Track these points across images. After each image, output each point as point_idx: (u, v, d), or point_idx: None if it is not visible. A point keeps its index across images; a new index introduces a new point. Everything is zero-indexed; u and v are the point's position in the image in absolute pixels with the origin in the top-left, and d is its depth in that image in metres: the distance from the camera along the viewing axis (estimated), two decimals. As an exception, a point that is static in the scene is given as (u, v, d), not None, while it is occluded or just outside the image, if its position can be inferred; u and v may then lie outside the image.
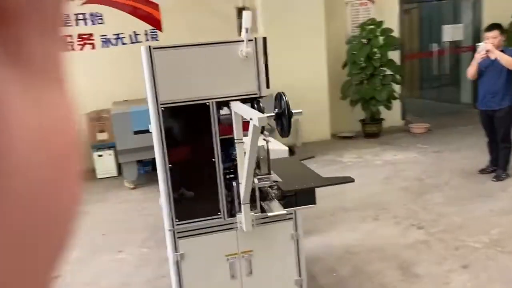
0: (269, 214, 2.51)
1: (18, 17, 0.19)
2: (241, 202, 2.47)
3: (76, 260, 3.50)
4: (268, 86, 2.54)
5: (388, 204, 4.65)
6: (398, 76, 7.74)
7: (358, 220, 4.29)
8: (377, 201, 4.76)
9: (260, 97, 2.52)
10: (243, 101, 2.43)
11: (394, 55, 7.87)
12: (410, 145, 6.93)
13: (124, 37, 7.09)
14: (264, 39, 2.48)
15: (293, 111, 2.21)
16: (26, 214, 0.19)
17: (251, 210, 2.51)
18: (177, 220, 2.49)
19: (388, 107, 7.71)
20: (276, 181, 2.75)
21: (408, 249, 3.62)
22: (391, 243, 3.75)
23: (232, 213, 2.58)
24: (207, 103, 2.43)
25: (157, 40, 7.18)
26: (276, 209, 2.48)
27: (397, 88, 7.88)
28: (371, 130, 7.97)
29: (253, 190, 2.54)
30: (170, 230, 2.51)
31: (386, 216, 4.33)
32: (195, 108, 2.43)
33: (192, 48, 2.41)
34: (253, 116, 2.07)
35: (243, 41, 2.35)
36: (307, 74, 7.57)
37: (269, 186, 2.64)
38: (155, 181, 2.74)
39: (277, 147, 3.65)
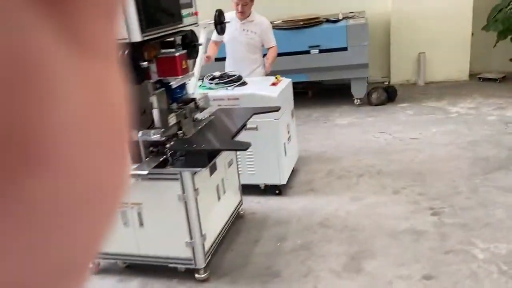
0: (132, 171, 2.36)
1: None
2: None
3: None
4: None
5: (435, 175, 3.70)
6: None
7: (372, 189, 3.59)
8: (425, 170, 3.83)
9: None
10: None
11: None
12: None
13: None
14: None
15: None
16: (70, 198, 0.18)
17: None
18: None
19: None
20: (178, 136, 2.54)
21: (390, 237, 2.91)
22: (378, 224, 3.07)
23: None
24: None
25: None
26: (140, 168, 2.32)
27: None
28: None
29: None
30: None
31: (409, 191, 3.49)
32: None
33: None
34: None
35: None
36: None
37: (166, 141, 2.47)
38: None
39: (264, 93, 3.28)
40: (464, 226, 2.97)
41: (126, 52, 2.15)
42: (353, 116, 5.62)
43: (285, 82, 3.79)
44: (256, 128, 3.45)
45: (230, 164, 3.05)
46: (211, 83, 3.60)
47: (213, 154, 2.52)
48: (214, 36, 4.23)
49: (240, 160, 3.58)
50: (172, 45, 2.86)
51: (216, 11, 3.42)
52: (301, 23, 5.68)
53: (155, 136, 2.40)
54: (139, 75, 2.23)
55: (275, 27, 5.72)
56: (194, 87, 3.20)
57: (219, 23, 3.42)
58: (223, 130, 2.77)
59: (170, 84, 2.63)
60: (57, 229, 0.18)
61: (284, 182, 3.62)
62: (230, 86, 3.55)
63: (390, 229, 3.04)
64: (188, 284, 2.65)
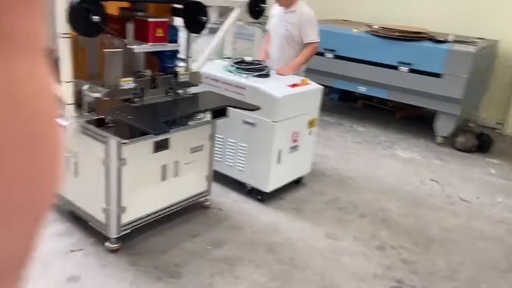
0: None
1: None
2: (66, 102, 2.42)
3: None
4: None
5: (447, 250, 2.97)
6: None
7: (359, 234, 3.05)
8: (440, 239, 3.11)
9: None
10: None
11: None
12: None
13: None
14: None
15: None
16: None
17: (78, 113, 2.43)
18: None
19: None
20: (131, 101, 2.48)
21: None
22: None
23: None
24: None
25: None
26: (69, 118, 2.30)
27: None
28: None
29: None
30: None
31: (396, 253, 2.86)
32: None
33: None
34: None
35: None
36: None
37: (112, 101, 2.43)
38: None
39: (268, 90, 3.03)
40: None
41: (80, 1, 2.13)
42: (420, 153, 4.84)
43: (310, 88, 3.40)
44: (253, 125, 3.20)
45: (196, 150, 2.88)
46: (232, 66, 3.42)
47: (159, 130, 2.33)
48: (267, 25, 4.00)
49: (232, 153, 3.37)
50: (178, 11, 2.78)
51: (254, -8, 3.19)
52: (396, 34, 5.00)
53: (93, 93, 2.37)
54: (89, 28, 2.19)
55: (370, 31, 5.17)
56: (200, 64, 3.08)
57: (254, 7, 3.19)
58: (176, 109, 2.61)
59: (149, 49, 2.56)
60: None
61: (268, 190, 3.30)
62: (249, 74, 3.32)
63: (334, 281, 2.56)
64: (97, 247, 2.63)
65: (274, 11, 3.82)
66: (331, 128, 5.37)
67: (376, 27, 5.24)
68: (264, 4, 3.23)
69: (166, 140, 2.63)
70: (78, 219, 2.80)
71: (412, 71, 4.99)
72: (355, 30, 5.38)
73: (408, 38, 4.98)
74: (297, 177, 3.64)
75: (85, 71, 2.52)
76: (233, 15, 3.24)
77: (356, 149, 4.79)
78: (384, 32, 5.10)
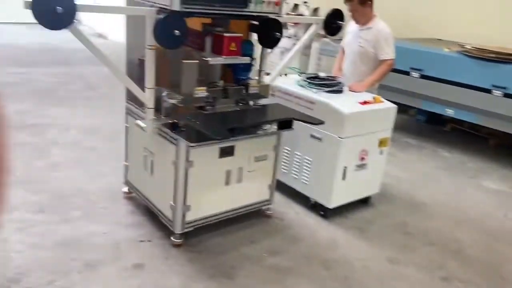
0: (137, 122, 2.61)
1: None
2: (147, 106, 2.70)
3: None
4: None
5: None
6: None
7: (422, 262, 2.88)
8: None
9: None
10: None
11: None
12: None
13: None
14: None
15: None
16: None
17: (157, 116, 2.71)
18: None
19: None
20: (203, 109, 2.69)
21: None
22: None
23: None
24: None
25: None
26: (142, 121, 2.56)
27: None
28: None
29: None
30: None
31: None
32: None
33: None
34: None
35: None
36: None
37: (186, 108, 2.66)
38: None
39: (337, 106, 3.08)
40: None
41: (165, 18, 2.38)
42: (511, 185, 4.43)
43: (382, 106, 3.34)
44: (320, 139, 3.23)
45: (260, 159, 2.99)
46: (304, 81, 3.50)
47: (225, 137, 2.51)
48: (342, 41, 4.01)
49: (298, 166, 3.44)
50: (255, 27, 2.94)
51: (331, 10, 3.26)
52: (491, 55, 4.66)
53: (170, 99, 2.62)
54: (170, 41, 2.43)
55: (462, 51, 4.91)
56: (272, 77, 3.21)
57: (330, 24, 3.25)
58: (243, 118, 2.76)
59: (223, 62, 2.76)
60: None
61: (331, 206, 3.29)
62: (320, 89, 3.37)
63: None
64: (163, 241, 2.85)
65: (349, 28, 3.84)
66: (411, 151, 5.15)
67: (469, 46, 4.94)
68: (341, 21, 3.27)
69: (232, 147, 2.79)
70: (151, 213, 3.07)
71: (508, 95, 4.60)
72: (447, 49, 5.13)
73: (504, 60, 4.61)
74: (364, 196, 3.57)
75: (167, 79, 2.79)
76: (309, 32, 3.33)
77: (436, 175, 4.53)
78: (477, 52, 4.79)
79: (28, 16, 2.01)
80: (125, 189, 3.37)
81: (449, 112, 5.13)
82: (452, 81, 4.97)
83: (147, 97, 2.66)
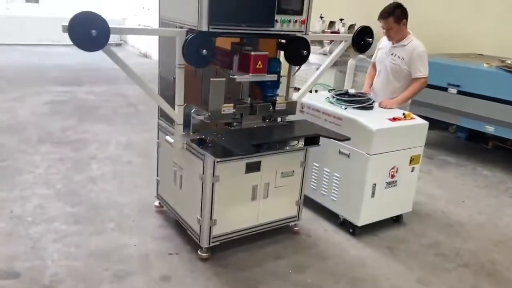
0: (166, 137, 2.69)
1: None
2: (176, 123, 2.81)
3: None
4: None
5: None
6: None
7: (452, 282, 2.75)
8: None
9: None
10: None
11: None
12: None
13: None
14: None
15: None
16: None
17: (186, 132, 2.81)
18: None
19: None
20: (230, 125, 2.76)
21: None
22: None
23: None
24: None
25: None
26: (171, 137, 2.64)
27: None
28: None
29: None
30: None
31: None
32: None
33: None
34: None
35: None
36: None
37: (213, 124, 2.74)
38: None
39: (364, 122, 3.07)
40: None
41: (192, 38, 2.48)
42: (557, 206, 4.18)
43: (413, 123, 3.28)
44: (348, 156, 3.21)
45: (287, 175, 3.01)
46: (333, 97, 3.51)
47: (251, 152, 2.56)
48: (373, 58, 3.99)
49: (327, 182, 3.42)
50: (282, 45, 3.00)
51: (360, 27, 3.27)
52: (533, 69, 4.48)
53: (198, 116, 2.70)
54: (198, 60, 2.52)
55: (502, 67, 4.76)
56: (300, 94, 3.25)
57: (359, 41, 3.26)
58: (269, 134, 2.79)
59: (249, 79, 2.82)
60: None
61: (360, 223, 3.24)
62: (350, 105, 3.36)
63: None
64: (191, 254, 2.91)
65: (381, 44, 3.82)
66: (449, 169, 4.98)
67: (509, 62, 4.77)
68: (370, 38, 3.27)
69: (258, 162, 2.82)
70: (180, 227, 3.15)
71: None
72: (486, 65, 4.98)
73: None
74: (395, 214, 3.49)
75: (197, 97, 2.89)
76: (338, 49, 3.35)
77: (474, 194, 4.36)
78: (519, 67, 4.62)
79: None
80: (157, 202, 3.47)
81: (489, 129, 4.94)
82: (492, 97, 4.81)
83: (177, 113, 2.77)
